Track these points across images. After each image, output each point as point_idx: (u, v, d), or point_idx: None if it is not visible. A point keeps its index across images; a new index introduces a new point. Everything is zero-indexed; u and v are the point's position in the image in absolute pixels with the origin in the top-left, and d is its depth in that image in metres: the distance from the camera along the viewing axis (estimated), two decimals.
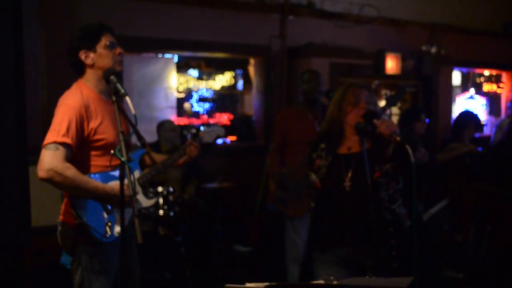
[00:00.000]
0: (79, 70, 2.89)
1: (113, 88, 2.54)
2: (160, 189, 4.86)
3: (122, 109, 2.94)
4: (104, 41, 2.85)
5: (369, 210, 2.74)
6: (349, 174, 2.90)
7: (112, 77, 2.56)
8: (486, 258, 4.44)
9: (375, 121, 2.81)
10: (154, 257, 4.62)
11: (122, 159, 2.29)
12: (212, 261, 5.44)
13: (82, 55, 2.83)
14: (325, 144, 3.03)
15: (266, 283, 1.87)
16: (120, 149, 2.31)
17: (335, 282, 1.96)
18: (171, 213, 4.88)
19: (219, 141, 6.81)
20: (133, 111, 2.46)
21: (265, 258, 5.81)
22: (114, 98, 2.49)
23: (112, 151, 2.36)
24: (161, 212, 4.82)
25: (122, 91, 2.50)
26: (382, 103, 7.41)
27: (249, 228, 6.23)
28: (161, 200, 4.83)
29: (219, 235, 5.50)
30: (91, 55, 2.83)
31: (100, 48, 2.84)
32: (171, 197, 4.90)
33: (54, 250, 2.97)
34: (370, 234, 2.77)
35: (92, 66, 2.85)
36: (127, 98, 2.49)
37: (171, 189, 4.92)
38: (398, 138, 2.73)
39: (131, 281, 3.06)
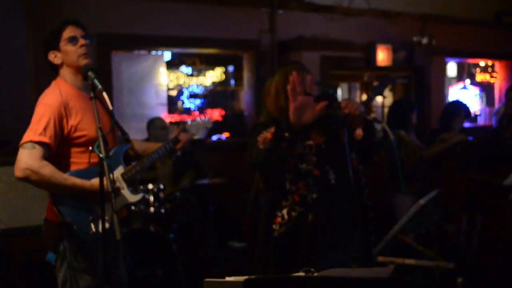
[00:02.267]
0: (55, 69, 2.88)
1: (90, 84, 2.52)
2: (150, 186, 4.84)
3: (105, 105, 2.91)
4: (65, 36, 2.79)
5: (354, 201, 2.63)
6: (331, 169, 2.71)
7: (89, 73, 2.53)
8: (478, 248, 4.43)
9: (336, 104, 2.55)
10: (145, 254, 4.60)
11: (100, 155, 2.26)
12: (205, 258, 5.42)
13: (51, 56, 2.82)
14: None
15: (245, 277, 1.85)
16: (98, 145, 2.29)
17: (315, 274, 1.95)
18: (162, 210, 4.86)
19: (214, 137, 6.79)
20: (110, 107, 2.44)
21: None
22: (92, 94, 2.46)
23: (90, 148, 2.34)
24: (151, 209, 4.80)
25: (99, 86, 2.47)
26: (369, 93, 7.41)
27: (243, 224, 6.20)
28: (151, 198, 4.81)
29: (211, 231, 5.47)
30: (58, 54, 2.81)
31: (63, 45, 2.80)
32: (161, 194, 4.89)
33: (44, 250, 2.94)
34: (356, 224, 2.68)
35: (62, 65, 2.83)
36: (104, 94, 2.47)
37: (161, 186, 4.90)
38: (370, 117, 2.60)
39: (117, 278, 3.04)
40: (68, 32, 2.79)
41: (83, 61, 2.79)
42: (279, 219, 2.71)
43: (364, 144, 2.77)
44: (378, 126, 2.73)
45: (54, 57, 2.82)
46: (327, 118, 2.64)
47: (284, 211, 2.69)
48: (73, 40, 2.79)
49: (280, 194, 2.71)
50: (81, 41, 2.79)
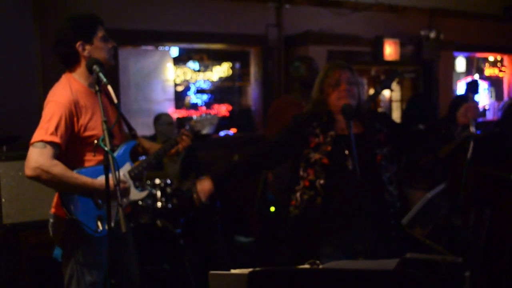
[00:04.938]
0: (71, 61, 2.83)
1: (95, 77, 2.51)
2: (157, 181, 4.84)
3: (111, 100, 2.92)
4: (100, 33, 2.82)
5: (371, 191, 2.83)
6: (351, 156, 2.85)
7: (94, 67, 2.52)
8: (485, 242, 4.40)
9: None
10: (152, 249, 4.61)
11: (106, 148, 2.26)
12: (212, 253, 5.43)
13: (79, 47, 2.78)
14: (316, 123, 3.00)
15: (250, 269, 1.85)
16: (103, 139, 2.28)
17: (320, 266, 1.95)
18: (169, 205, 4.87)
19: (221, 133, 6.79)
20: (115, 100, 2.44)
21: (267, 248, 5.79)
22: (97, 88, 2.46)
23: (95, 141, 2.33)
24: (159, 204, 4.81)
25: (104, 80, 2.47)
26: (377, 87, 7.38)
27: (250, 219, 6.21)
28: (158, 193, 4.82)
29: (218, 226, 5.48)
30: (88, 47, 2.79)
31: (96, 40, 2.81)
32: (168, 189, 4.89)
33: (51, 244, 2.96)
34: (373, 217, 2.85)
35: (87, 58, 2.80)
36: (109, 87, 2.46)
37: (168, 181, 4.91)
38: (471, 132, 2.90)
39: (125, 274, 3.04)
40: (102, 30, 2.84)
41: (112, 61, 2.89)
42: (293, 202, 3.00)
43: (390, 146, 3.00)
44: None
45: (83, 49, 2.79)
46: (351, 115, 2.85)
47: (298, 195, 2.97)
48: (107, 39, 2.85)
49: (295, 180, 3.00)
50: (113, 42, 2.89)
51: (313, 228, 2.91)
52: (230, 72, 7.27)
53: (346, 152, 2.89)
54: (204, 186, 3.00)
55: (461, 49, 8.41)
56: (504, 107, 6.83)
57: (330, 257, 2.81)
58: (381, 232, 2.92)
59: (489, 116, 9.34)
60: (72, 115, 2.71)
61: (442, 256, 3.76)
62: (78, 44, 2.77)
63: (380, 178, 2.92)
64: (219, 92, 7.25)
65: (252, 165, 3.13)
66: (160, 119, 5.64)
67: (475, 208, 4.58)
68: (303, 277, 1.86)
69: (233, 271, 1.91)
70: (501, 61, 9.46)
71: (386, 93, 7.85)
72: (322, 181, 2.89)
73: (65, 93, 2.74)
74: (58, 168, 2.61)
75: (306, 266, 1.96)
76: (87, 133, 2.76)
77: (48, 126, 2.63)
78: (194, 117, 3.36)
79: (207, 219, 5.58)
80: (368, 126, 2.99)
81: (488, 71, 9.40)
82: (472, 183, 4.84)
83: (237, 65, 7.34)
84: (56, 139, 2.63)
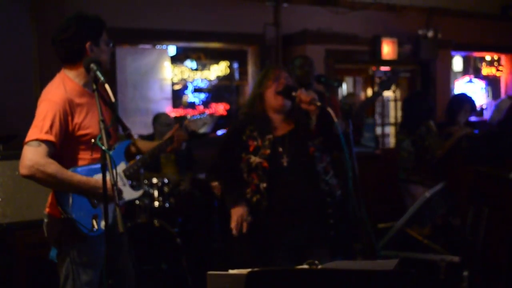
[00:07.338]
0: (73, 59, 2.78)
1: (93, 76, 2.49)
2: (155, 180, 4.82)
3: (106, 99, 2.90)
4: (105, 36, 2.83)
5: (307, 183, 2.99)
6: (285, 153, 3.04)
7: (92, 65, 2.50)
8: (483, 241, 4.40)
9: (293, 93, 3.00)
10: (150, 248, 4.60)
11: (103, 147, 2.24)
12: (210, 252, 5.41)
13: (89, 47, 2.75)
14: (252, 126, 3.11)
15: (249, 269, 1.84)
16: (100, 138, 2.26)
17: (319, 267, 1.94)
18: (167, 205, 4.85)
19: (219, 132, 6.77)
20: (112, 99, 2.41)
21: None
22: (94, 86, 2.44)
23: (92, 140, 2.31)
24: (156, 203, 4.79)
25: (102, 78, 2.45)
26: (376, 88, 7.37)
27: None
28: (156, 192, 4.80)
29: (216, 225, 5.46)
30: (95, 48, 2.78)
31: (102, 43, 2.81)
32: (166, 189, 4.87)
33: (48, 244, 2.94)
34: (310, 207, 3.01)
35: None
36: (107, 86, 2.44)
37: (166, 180, 4.89)
38: (318, 104, 2.93)
39: (122, 272, 3.03)
40: (105, 34, 2.85)
41: (108, 66, 2.92)
42: None
43: (324, 134, 3.09)
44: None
45: (91, 50, 2.76)
46: (296, 111, 3.06)
47: (248, 198, 3.08)
48: (109, 43, 2.87)
49: (243, 184, 3.10)
50: (112, 48, 2.92)
51: (260, 229, 3.02)
52: (228, 71, 7.26)
53: (280, 149, 3.04)
54: (241, 211, 3.03)
55: (459, 48, 8.40)
56: (498, 105, 6.83)
57: (285, 259, 2.99)
58: (319, 221, 3.06)
59: (487, 115, 9.33)
60: (67, 113, 2.68)
61: (441, 255, 3.77)
62: (88, 44, 2.75)
63: (315, 169, 3.06)
64: (216, 91, 7.24)
65: (233, 181, 3.16)
66: (160, 119, 5.59)
67: (474, 207, 4.59)
68: (302, 278, 1.85)
69: (231, 271, 1.89)
70: (498, 60, 9.45)
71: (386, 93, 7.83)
72: (265, 185, 3.01)
73: (59, 91, 2.71)
74: (53, 167, 2.59)
75: (305, 266, 1.95)
76: (82, 132, 2.74)
77: (42, 125, 2.61)
78: (188, 116, 3.36)
79: (205, 218, 5.57)
80: (298, 121, 3.11)
81: (485, 70, 9.39)
82: (470, 182, 4.84)
83: (235, 64, 7.32)
84: (51, 138, 2.61)
